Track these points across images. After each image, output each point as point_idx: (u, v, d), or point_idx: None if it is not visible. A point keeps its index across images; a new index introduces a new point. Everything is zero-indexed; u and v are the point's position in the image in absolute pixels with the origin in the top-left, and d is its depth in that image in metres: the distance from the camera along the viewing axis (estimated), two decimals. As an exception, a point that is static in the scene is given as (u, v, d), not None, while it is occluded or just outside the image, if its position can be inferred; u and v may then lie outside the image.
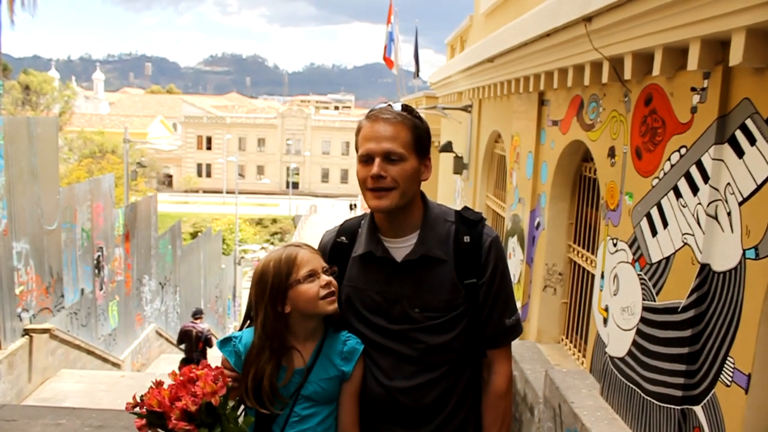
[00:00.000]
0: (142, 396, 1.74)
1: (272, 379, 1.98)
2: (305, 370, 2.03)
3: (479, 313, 2.07)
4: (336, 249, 2.17)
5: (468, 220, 2.09)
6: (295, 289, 1.99)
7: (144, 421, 1.74)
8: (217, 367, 1.88)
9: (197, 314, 11.17)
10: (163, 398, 1.72)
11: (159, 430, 1.75)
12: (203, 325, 10.71)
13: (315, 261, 2.03)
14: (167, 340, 13.75)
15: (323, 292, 1.99)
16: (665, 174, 2.88)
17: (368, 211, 2.20)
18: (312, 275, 2.00)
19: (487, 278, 2.05)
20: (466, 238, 2.05)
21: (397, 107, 2.01)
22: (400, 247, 2.05)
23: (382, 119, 1.97)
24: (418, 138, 1.98)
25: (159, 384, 1.77)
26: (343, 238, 2.17)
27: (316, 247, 2.23)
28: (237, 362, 2.06)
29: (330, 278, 2.02)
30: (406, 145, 1.95)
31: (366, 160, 1.97)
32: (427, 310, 2.03)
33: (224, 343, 2.10)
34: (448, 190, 10.10)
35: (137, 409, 1.75)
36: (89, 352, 9.07)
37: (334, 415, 2.09)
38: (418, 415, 2.06)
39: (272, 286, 1.99)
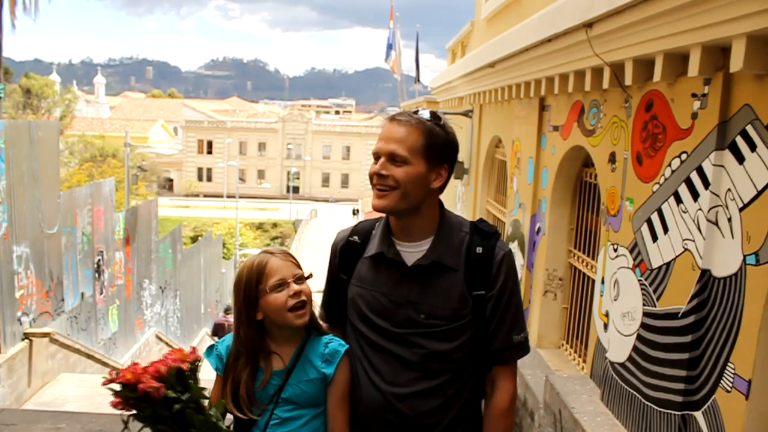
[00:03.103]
0: (117, 371, 1.76)
1: (248, 385, 1.98)
2: (285, 373, 2.02)
3: (486, 327, 2.05)
4: (347, 248, 2.18)
5: (483, 232, 2.08)
6: (264, 298, 1.99)
7: (119, 399, 1.76)
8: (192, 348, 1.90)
9: (228, 310, 13.67)
10: (137, 369, 1.75)
11: (133, 407, 1.76)
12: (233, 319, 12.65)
13: (285, 269, 2.01)
14: (167, 344, 13.73)
15: (291, 303, 1.98)
16: (666, 180, 2.89)
17: (370, 216, 2.20)
18: (281, 285, 1.99)
19: (496, 292, 2.04)
20: (479, 250, 2.04)
21: (426, 114, 2.00)
22: (412, 252, 2.05)
23: (396, 120, 1.99)
24: (431, 145, 1.96)
25: (135, 364, 1.81)
26: (356, 237, 2.17)
27: (331, 241, 2.26)
28: (220, 366, 2.08)
29: (300, 287, 2.01)
30: (413, 149, 1.94)
31: (375, 158, 2.00)
32: (433, 317, 2.01)
33: (208, 351, 2.12)
34: (448, 195, 10.11)
35: (113, 385, 1.76)
36: (89, 357, 9.05)
37: (321, 420, 2.07)
38: (415, 424, 2.04)
39: (245, 293, 2.01)
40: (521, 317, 2.12)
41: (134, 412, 1.77)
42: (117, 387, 1.75)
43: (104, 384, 1.75)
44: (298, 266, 2.07)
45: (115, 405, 1.76)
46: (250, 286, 2.00)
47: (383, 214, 2.11)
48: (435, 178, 2.01)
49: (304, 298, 2.01)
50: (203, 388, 1.83)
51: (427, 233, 2.05)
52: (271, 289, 1.98)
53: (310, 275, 2.07)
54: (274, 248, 2.12)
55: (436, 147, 1.99)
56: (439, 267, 2.02)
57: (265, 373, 2.01)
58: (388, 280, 2.06)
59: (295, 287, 2.00)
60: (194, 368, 1.80)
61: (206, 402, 1.84)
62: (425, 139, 1.96)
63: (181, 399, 1.76)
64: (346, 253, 2.17)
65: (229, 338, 2.10)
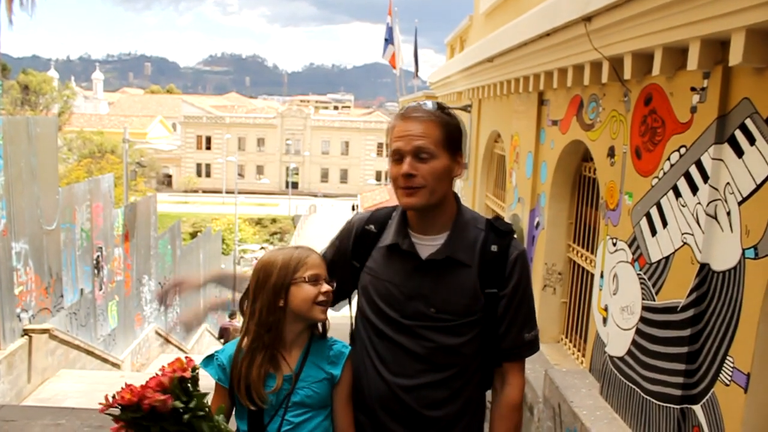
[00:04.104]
0: (113, 395, 1.70)
1: (261, 369, 1.99)
2: (293, 377, 2.03)
3: (497, 325, 2.06)
4: (363, 235, 2.17)
5: (498, 230, 2.08)
6: (298, 285, 2.01)
7: (121, 424, 1.70)
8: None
9: (232, 315, 14.15)
10: (135, 388, 1.70)
11: (136, 429, 1.70)
12: (238, 323, 13.47)
13: (321, 269, 2.07)
14: (167, 340, 13.74)
15: (321, 298, 2.03)
16: (665, 174, 2.89)
17: (370, 209, 2.20)
18: (316, 279, 2.04)
19: (509, 291, 2.05)
20: (494, 248, 2.05)
21: (429, 105, 2.01)
22: (427, 245, 2.05)
23: (412, 117, 1.97)
24: (449, 135, 1.98)
25: (129, 385, 1.74)
26: (372, 226, 2.17)
27: (330, 237, 2.31)
28: (222, 376, 2.07)
29: (330, 288, 2.06)
30: (437, 142, 1.94)
31: (397, 158, 1.97)
32: (443, 311, 2.02)
33: (207, 361, 2.10)
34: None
35: (112, 410, 1.69)
36: (89, 353, 9.05)
37: (330, 420, 2.08)
38: (420, 415, 2.05)
39: (277, 277, 2.01)
40: (533, 316, 2.14)
41: None
42: (116, 411, 1.69)
43: (102, 410, 1.69)
44: (347, 241, 2.18)
45: (117, 431, 1.70)
46: (287, 271, 2.02)
47: (390, 204, 2.12)
48: (456, 167, 2.03)
49: (328, 299, 2.07)
50: (206, 394, 1.81)
51: (443, 227, 2.06)
52: (308, 279, 2.02)
53: (334, 283, 2.10)
54: (309, 247, 2.16)
55: (453, 136, 2.00)
56: (453, 262, 2.02)
57: (278, 378, 2.01)
58: (401, 271, 2.06)
59: (326, 286, 2.06)
60: (195, 376, 1.79)
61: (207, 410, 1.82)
62: (444, 131, 1.97)
63: (189, 407, 1.72)
64: (360, 241, 2.17)
65: (228, 348, 2.10)
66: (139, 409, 1.67)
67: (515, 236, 2.12)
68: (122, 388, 1.71)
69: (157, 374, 1.75)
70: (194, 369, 1.79)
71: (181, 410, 1.71)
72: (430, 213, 2.03)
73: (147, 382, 1.72)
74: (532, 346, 2.13)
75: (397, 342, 2.06)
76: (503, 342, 2.08)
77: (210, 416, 1.79)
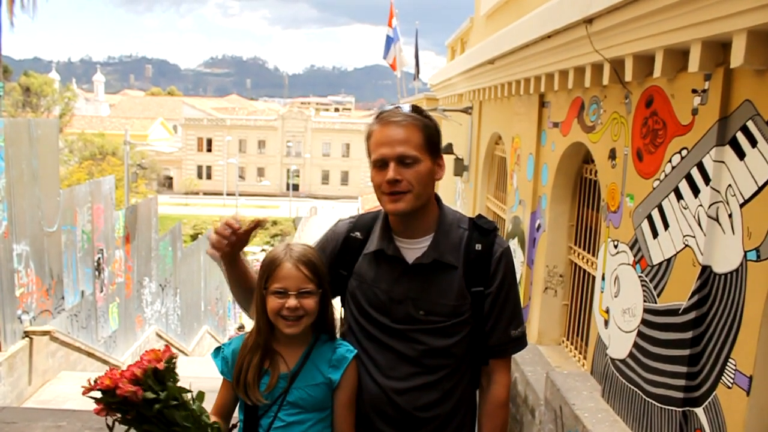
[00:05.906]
0: (96, 379, 1.77)
1: (255, 369, 1.99)
2: (290, 376, 2.01)
3: (484, 323, 2.07)
4: (349, 244, 2.16)
5: (482, 229, 2.09)
6: (268, 295, 2.00)
7: (101, 405, 1.77)
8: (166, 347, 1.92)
9: (241, 327, 15.60)
10: (115, 375, 1.76)
11: (116, 412, 1.77)
12: (244, 335, 14.75)
13: (291, 280, 1.96)
14: (168, 342, 13.74)
15: (284, 312, 1.96)
16: (666, 176, 2.88)
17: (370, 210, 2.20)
18: (281, 293, 1.96)
19: (495, 288, 2.05)
20: (478, 246, 2.05)
21: (406, 108, 2.01)
22: (412, 249, 2.05)
23: (392, 122, 1.96)
24: (429, 138, 1.98)
25: (112, 369, 1.81)
26: (358, 233, 2.16)
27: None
28: (225, 369, 2.07)
29: (300, 302, 1.96)
30: (419, 146, 1.94)
31: (380, 165, 1.96)
32: (432, 313, 2.03)
33: (216, 352, 2.12)
34: (448, 191, 10.10)
35: (94, 393, 1.77)
36: (89, 355, 9.05)
37: (325, 424, 2.06)
38: (413, 417, 2.06)
39: (258, 280, 2.03)
40: (519, 312, 2.14)
41: (119, 416, 1.78)
42: (97, 394, 1.75)
43: (84, 393, 1.76)
44: (310, 279, 1.98)
45: (98, 412, 1.77)
46: (262, 277, 2.01)
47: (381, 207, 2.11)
48: (438, 170, 2.03)
49: (300, 313, 1.97)
50: (181, 388, 1.83)
51: (427, 230, 2.06)
52: (272, 293, 1.98)
53: (320, 291, 2.01)
54: (298, 249, 2.02)
55: (434, 139, 2.01)
56: (440, 265, 2.03)
57: (272, 377, 2.00)
58: (388, 276, 2.06)
59: (292, 302, 1.95)
60: (170, 366, 1.81)
61: (189, 396, 1.85)
62: (424, 134, 1.97)
63: (160, 399, 1.76)
64: (347, 249, 2.16)
65: (235, 341, 2.11)
66: (116, 396, 1.74)
67: (499, 233, 2.13)
68: (105, 372, 1.78)
69: (136, 361, 1.81)
70: (169, 360, 1.81)
71: (152, 400, 1.76)
72: (414, 217, 2.03)
73: (123, 371, 1.78)
74: (519, 343, 2.14)
75: (388, 345, 2.06)
76: (490, 339, 2.09)
77: (185, 404, 1.81)
